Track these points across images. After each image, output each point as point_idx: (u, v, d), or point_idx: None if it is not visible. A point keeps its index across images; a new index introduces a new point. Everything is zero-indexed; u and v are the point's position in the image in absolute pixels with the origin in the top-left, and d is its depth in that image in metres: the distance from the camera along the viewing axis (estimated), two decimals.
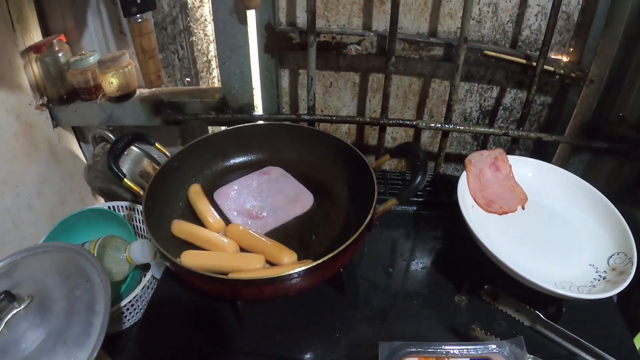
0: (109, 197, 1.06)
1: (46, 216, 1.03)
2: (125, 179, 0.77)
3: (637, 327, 0.85)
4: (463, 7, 0.87)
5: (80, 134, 1.16)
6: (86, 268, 0.73)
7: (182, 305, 0.78)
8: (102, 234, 0.89)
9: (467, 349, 0.64)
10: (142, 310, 0.88)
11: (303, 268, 0.62)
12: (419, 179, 0.68)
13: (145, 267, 0.96)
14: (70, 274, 0.71)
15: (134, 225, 1.02)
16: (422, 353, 0.63)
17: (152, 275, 0.90)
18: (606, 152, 1.02)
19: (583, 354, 0.69)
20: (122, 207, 1.04)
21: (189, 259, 0.73)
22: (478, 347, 0.64)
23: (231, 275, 0.68)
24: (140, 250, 0.85)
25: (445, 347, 0.63)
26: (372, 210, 0.70)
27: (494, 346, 0.64)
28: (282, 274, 0.62)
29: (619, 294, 0.71)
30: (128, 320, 0.88)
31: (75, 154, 1.14)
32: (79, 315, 0.66)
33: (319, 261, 0.63)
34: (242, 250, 0.77)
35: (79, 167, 1.12)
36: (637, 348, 0.76)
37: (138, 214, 1.03)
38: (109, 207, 1.03)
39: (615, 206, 0.82)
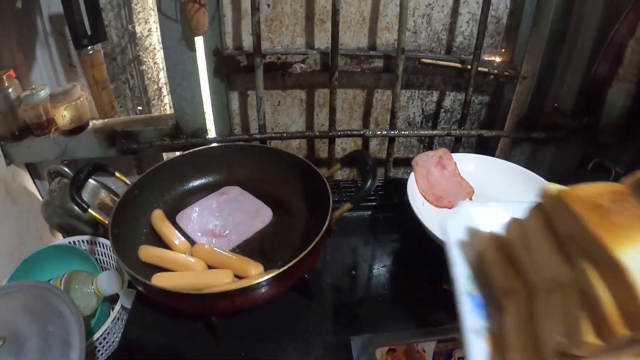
0: (68, 232, 1.11)
1: (5, 257, 1.06)
2: (89, 209, 0.83)
3: None
4: (399, 20, 0.99)
5: (34, 170, 1.20)
6: (55, 303, 0.78)
7: (156, 331, 0.83)
8: (66, 270, 0.94)
9: (434, 331, 0.72)
10: (114, 343, 0.93)
11: (269, 276, 0.70)
12: (369, 182, 0.78)
13: (113, 300, 1.01)
14: (40, 311, 0.77)
15: (96, 259, 1.06)
16: (393, 341, 0.71)
17: (122, 306, 0.95)
18: (545, 141, 1.17)
19: None
20: (83, 241, 1.09)
21: (160, 281, 0.79)
22: (442, 329, 0.72)
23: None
24: (107, 281, 0.90)
25: (414, 334, 0.72)
26: (329, 217, 0.80)
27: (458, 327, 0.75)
28: (251, 284, 0.70)
29: None
30: (102, 354, 0.92)
31: (30, 192, 1.19)
32: (55, 350, 0.72)
33: (284, 268, 0.71)
34: (210, 267, 0.84)
35: (35, 204, 1.16)
36: None
37: (100, 247, 1.08)
38: (70, 243, 1.07)
39: None
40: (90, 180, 1.09)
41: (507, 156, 1.21)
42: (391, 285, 0.91)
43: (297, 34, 1.10)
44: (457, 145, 1.17)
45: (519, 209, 0.50)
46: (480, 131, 1.14)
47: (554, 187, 0.42)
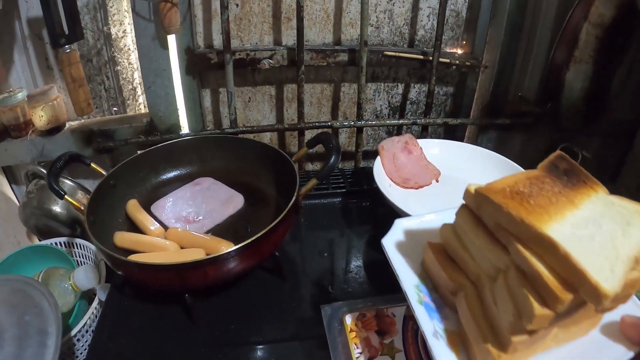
0: (45, 234, 1.17)
1: None
2: (66, 196, 0.90)
3: None
4: (360, 15, 1.09)
5: (11, 175, 1.28)
6: (33, 294, 0.83)
7: (132, 318, 0.88)
8: None
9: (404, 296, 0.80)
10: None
11: (239, 245, 0.77)
12: (332, 158, 0.86)
13: (90, 300, 1.07)
14: (18, 302, 0.82)
15: (77, 261, 1.13)
16: (362, 308, 0.77)
17: (99, 302, 1.00)
18: (510, 127, 1.27)
19: None
20: (60, 243, 1.15)
21: (147, 261, 0.84)
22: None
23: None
24: (84, 275, 0.96)
25: (383, 300, 0.78)
26: (296, 192, 0.88)
27: None
28: (221, 253, 0.77)
29: None
30: (80, 352, 0.97)
31: (7, 196, 1.25)
32: (32, 338, 0.77)
33: (253, 238, 0.78)
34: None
35: (12, 208, 1.23)
36: None
37: (77, 248, 1.14)
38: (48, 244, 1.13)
39: None
40: (67, 182, 1.16)
41: (473, 143, 1.30)
42: (363, 264, 0.98)
43: (265, 31, 1.21)
44: (423, 134, 1.27)
45: (446, 216, 0.58)
46: (445, 119, 1.24)
47: (473, 186, 0.49)
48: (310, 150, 0.98)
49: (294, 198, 0.87)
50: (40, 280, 0.96)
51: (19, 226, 1.21)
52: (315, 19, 1.21)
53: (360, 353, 0.70)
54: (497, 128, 1.29)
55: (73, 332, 0.96)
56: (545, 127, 1.25)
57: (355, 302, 0.79)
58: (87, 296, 1.07)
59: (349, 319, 0.76)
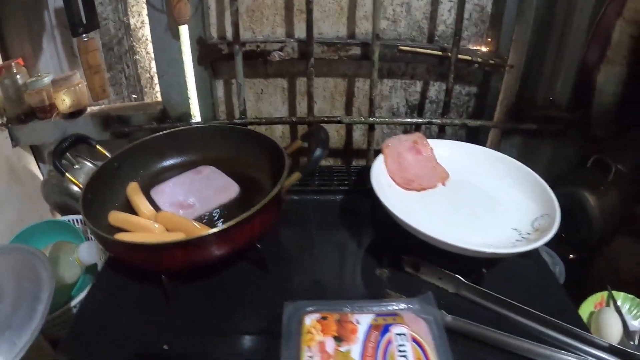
0: (64, 211, 1.24)
1: (5, 234, 1.19)
2: (66, 174, 0.95)
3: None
4: (373, 6, 1.06)
5: (37, 153, 1.36)
6: (35, 264, 0.88)
7: (119, 295, 0.90)
8: None
9: (372, 306, 0.72)
10: None
11: (216, 230, 0.77)
12: (318, 152, 0.84)
13: (95, 273, 1.11)
14: (21, 269, 0.87)
15: (89, 238, 1.17)
16: (326, 309, 0.72)
17: None
18: (537, 134, 1.17)
19: (511, 314, 0.78)
20: (78, 220, 1.21)
21: (119, 238, 0.87)
22: (384, 303, 0.73)
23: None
24: (87, 250, 1.01)
25: (351, 305, 0.72)
26: (279, 184, 0.86)
27: (402, 304, 0.72)
28: (192, 237, 0.77)
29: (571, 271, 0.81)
30: None
31: (34, 174, 1.34)
32: (25, 302, 0.81)
33: (224, 227, 0.77)
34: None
35: (37, 186, 1.29)
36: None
37: None
38: (67, 221, 1.19)
39: (561, 188, 0.93)
40: (87, 163, 1.22)
41: (496, 149, 1.21)
42: (351, 266, 0.95)
43: (277, 24, 1.20)
44: (441, 135, 1.20)
45: None
46: (464, 120, 1.17)
47: None
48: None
49: (275, 190, 0.85)
50: (49, 251, 1.02)
51: (42, 202, 1.28)
52: (328, 12, 1.19)
53: (311, 357, 0.65)
54: (522, 133, 1.20)
55: (73, 303, 1.02)
56: (576, 136, 1.14)
57: (320, 302, 0.74)
58: (95, 271, 1.11)
59: (308, 320, 0.71)
